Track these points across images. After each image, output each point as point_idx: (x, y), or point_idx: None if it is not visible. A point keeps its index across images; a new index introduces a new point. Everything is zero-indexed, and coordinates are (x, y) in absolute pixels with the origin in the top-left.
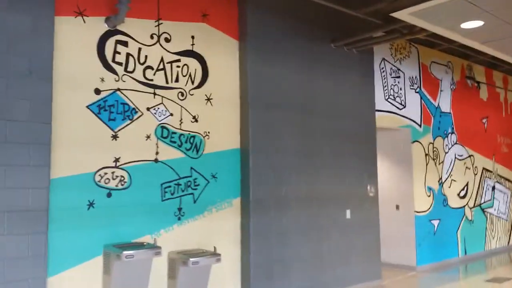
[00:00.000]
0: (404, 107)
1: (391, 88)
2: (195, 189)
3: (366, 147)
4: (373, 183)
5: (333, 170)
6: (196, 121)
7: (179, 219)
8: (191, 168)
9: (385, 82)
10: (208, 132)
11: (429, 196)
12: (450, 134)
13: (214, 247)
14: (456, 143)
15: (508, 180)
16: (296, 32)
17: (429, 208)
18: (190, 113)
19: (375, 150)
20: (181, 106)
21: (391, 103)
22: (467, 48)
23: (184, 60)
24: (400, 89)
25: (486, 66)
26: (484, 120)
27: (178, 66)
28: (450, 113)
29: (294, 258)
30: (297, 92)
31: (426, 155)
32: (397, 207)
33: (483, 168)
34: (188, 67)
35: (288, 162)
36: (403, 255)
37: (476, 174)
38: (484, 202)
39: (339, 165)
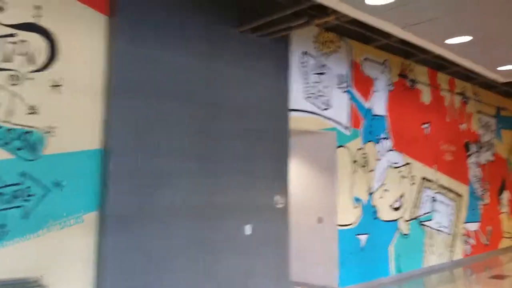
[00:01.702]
0: (329, 107)
1: (313, 86)
2: (27, 200)
3: (278, 151)
4: (283, 193)
5: (236, 177)
6: (35, 113)
7: None
8: (23, 173)
9: (306, 78)
10: (53, 128)
11: (356, 207)
12: (383, 140)
13: (40, 277)
14: (391, 150)
15: (452, 191)
16: (193, 11)
17: (356, 221)
18: (26, 102)
19: (288, 156)
20: (12, 93)
21: (312, 102)
22: (407, 45)
23: (23, 35)
24: (325, 87)
25: (430, 67)
26: (425, 126)
27: (12, 42)
28: (384, 116)
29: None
30: (193, 83)
31: (354, 161)
32: (320, 219)
33: (422, 178)
34: (28, 44)
35: (174, 167)
36: (323, 275)
37: (413, 184)
38: (423, 214)
39: (244, 171)
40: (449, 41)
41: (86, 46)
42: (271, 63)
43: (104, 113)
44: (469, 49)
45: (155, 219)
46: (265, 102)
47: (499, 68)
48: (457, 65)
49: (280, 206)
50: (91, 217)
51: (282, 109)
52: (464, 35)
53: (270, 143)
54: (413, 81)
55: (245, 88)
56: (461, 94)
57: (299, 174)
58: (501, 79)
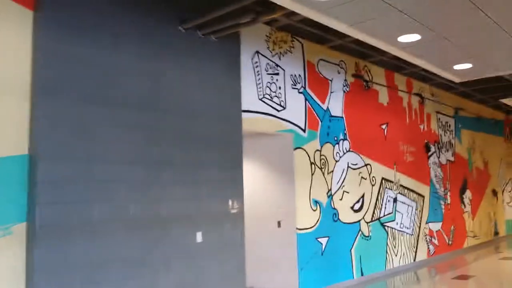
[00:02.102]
0: (284, 108)
1: (267, 87)
2: None
3: (230, 154)
4: (238, 197)
5: (183, 185)
6: None
7: None
8: None
9: (260, 79)
10: None
11: (315, 210)
12: (342, 141)
13: None
14: (349, 151)
15: (413, 191)
16: (129, 7)
17: (316, 224)
18: None
19: (241, 158)
20: None
21: (267, 103)
22: (363, 46)
23: None
24: (279, 88)
25: (387, 68)
26: (383, 126)
27: None
28: (342, 117)
29: None
30: (132, 85)
31: (311, 163)
32: (279, 224)
33: (383, 178)
34: None
35: (111, 176)
36: (283, 280)
37: (374, 184)
38: (384, 215)
39: (193, 178)
40: (400, 39)
41: (11, 43)
42: (220, 63)
43: (31, 116)
44: (421, 48)
45: (88, 230)
46: (215, 104)
47: (455, 67)
48: (414, 66)
49: (234, 211)
50: (20, 228)
51: (233, 111)
52: (413, 33)
53: (222, 146)
54: (370, 82)
55: (192, 90)
56: (419, 95)
57: (256, 178)
58: (457, 79)
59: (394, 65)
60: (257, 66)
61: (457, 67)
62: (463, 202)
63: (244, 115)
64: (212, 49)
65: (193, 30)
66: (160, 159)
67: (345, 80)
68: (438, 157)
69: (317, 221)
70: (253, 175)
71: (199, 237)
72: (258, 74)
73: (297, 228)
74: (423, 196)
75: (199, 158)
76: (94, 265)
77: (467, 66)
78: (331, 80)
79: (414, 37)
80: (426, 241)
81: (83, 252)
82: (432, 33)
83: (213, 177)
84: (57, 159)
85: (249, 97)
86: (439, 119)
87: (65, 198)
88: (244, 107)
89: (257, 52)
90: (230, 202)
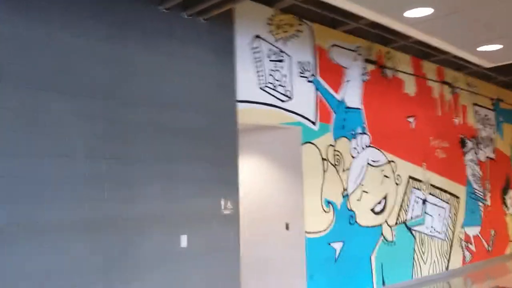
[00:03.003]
0: (290, 99)
1: (269, 75)
2: None
3: (222, 149)
4: (231, 197)
5: (164, 182)
6: None
7: None
8: None
9: (261, 66)
10: None
11: (328, 212)
12: (360, 135)
13: None
14: (369, 146)
15: (446, 192)
16: None
17: (328, 228)
18: None
19: (236, 154)
20: None
21: (269, 93)
22: (382, 29)
23: None
24: (284, 76)
25: (414, 55)
26: (410, 119)
27: None
28: (360, 109)
29: None
30: (100, 70)
31: (323, 160)
32: (287, 226)
33: (410, 177)
34: None
35: (67, 173)
36: None
37: (399, 184)
38: (412, 218)
39: (175, 174)
40: (409, 14)
41: None
42: (210, 48)
43: None
44: (435, 25)
45: (39, 234)
46: (202, 94)
47: (479, 49)
48: (444, 52)
49: (227, 212)
50: None
51: (226, 101)
52: (425, 7)
53: (211, 141)
54: (393, 70)
55: (173, 78)
56: (452, 85)
57: (262, 175)
58: (487, 63)
59: (421, 51)
60: (257, 52)
61: (482, 48)
62: (505, 204)
63: (240, 105)
64: (200, 32)
65: (178, 11)
66: (132, 155)
67: (364, 68)
68: (476, 154)
69: (330, 224)
70: (259, 172)
71: (183, 241)
72: (259, 61)
73: (306, 232)
74: (458, 197)
75: (183, 153)
76: (42, 273)
77: (497, 47)
78: (346, 68)
79: (426, 11)
80: (462, 247)
81: (30, 259)
82: (446, 6)
83: (201, 174)
84: (1, 155)
85: (247, 86)
86: (477, 111)
87: (9, 198)
88: (240, 97)
89: (258, 36)
90: (222, 202)
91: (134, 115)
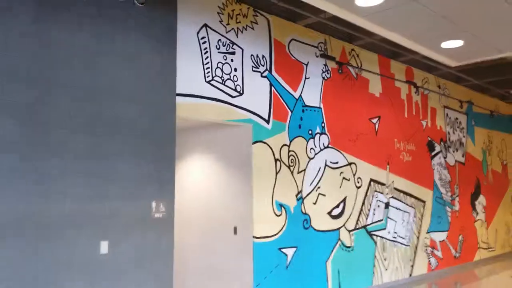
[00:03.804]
0: (241, 94)
1: (217, 67)
2: None
3: (155, 145)
4: (165, 199)
5: (87, 179)
6: None
7: None
8: None
9: (208, 57)
10: None
11: (280, 215)
12: (318, 135)
13: None
14: (328, 147)
15: (411, 196)
16: None
17: (280, 232)
18: None
19: (172, 151)
20: None
21: (217, 87)
22: (345, 25)
23: None
24: (235, 69)
25: (381, 54)
26: (374, 120)
27: None
28: (319, 108)
29: None
30: (17, 53)
31: (276, 160)
32: (235, 230)
33: (371, 180)
34: None
35: None
36: None
37: (359, 187)
38: (373, 223)
39: (101, 171)
40: (360, 2)
41: None
42: (146, 35)
43: None
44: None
45: None
46: (133, 84)
47: (443, 46)
48: (414, 53)
49: (158, 215)
50: None
51: (164, 94)
52: None
53: (142, 135)
54: (358, 69)
55: (100, 65)
56: (421, 86)
57: (210, 175)
58: (452, 63)
59: (389, 50)
60: (204, 42)
61: (445, 44)
62: (475, 209)
63: (180, 99)
64: (136, 17)
65: None
66: (52, 148)
67: (325, 65)
68: (445, 158)
69: (282, 228)
70: (207, 173)
71: (103, 247)
72: (206, 52)
73: (254, 236)
74: (424, 202)
75: (113, 148)
76: None
77: (457, 43)
78: (306, 64)
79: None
80: (427, 253)
81: None
82: None
83: (131, 173)
84: None
85: (192, 79)
86: (447, 114)
87: None
88: (182, 90)
89: (206, 25)
90: (153, 205)
91: (59, 104)
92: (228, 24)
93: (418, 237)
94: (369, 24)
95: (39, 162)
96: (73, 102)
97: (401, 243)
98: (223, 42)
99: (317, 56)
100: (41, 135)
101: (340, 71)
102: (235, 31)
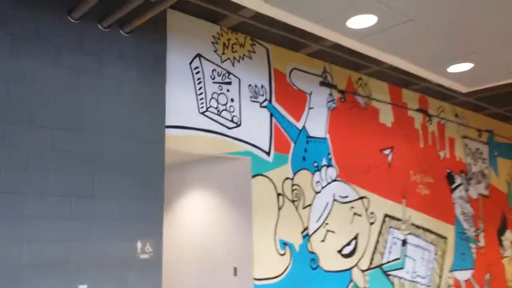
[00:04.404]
0: (238, 125)
1: (212, 98)
2: None
3: (141, 181)
4: (152, 238)
5: (64, 219)
6: None
7: None
8: None
9: (201, 88)
10: None
11: (283, 254)
12: (325, 167)
13: None
14: (336, 180)
15: (430, 232)
16: None
17: (284, 273)
18: None
19: (161, 187)
20: None
21: (212, 118)
22: (350, 54)
23: None
24: (231, 100)
25: (391, 83)
26: (386, 151)
27: None
28: (325, 138)
29: None
30: None
31: (279, 195)
32: (235, 271)
33: (386, 215)
34: None
35: None
36: None
37: (373, 223)
38: (389, 262)
39: (79, 211)
40: (351, 24)
41: None
42: (133, 65)
43: None
44: (384, 38)
45: None
46: (122, 118)
47: (449, 70)
48: (426, 81)
49: (145, 256)
50: None
51: (152, 126)
52: (366, 13)
53: (131, 171)
54: (367, 98)
55: (81, 98)
56: (436, 116)
57: (207, 213)
58: (463, 88)
59: (400, 79)
60: (198, 72)
61: (453, 68)
62: (502, 245)
63: (171, 131)
64: (122, 47)
65: (90, 22)
66: (26, 185)
67: (330, 94)
68: (466, 191)
69: (286, 269)
70: (204, 210)
71: None
72: (200, 82)
73: (254, 278)
74: (446, 238)
75: (93, 186)
76: None
77: (465, 67)
78: (309, 94)
79: (370, 21)
80: None
81: None
82: (390, 11)
83: (113, 211)
84: None
85: (183, 110)
86: (467, 145)
87: None
88: (173, 121)
89: (199, 55)
90: (139, 245)
91: (33, 139)
92: (223, 53)
93: (440, 276)
94: (367, 48)
95: (13, 203)
96: (52, 139)
97: (422, 284)
98: (218, 72)
99: (321, 86)
100: (17, 173)
101: (342, 100)
102: (231, 60)
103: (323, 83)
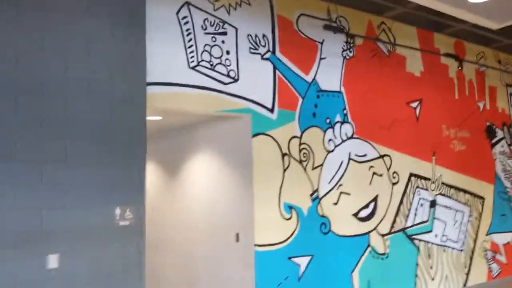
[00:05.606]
0: (235, 80)
1: (205, 51)
2: None
3: (119, 143)
4: (133, 204)
5: (35, 187)
6: None
7: None
8: None
9: (191, 40)
10: None
11: (289, 219)
12: (339, 124)
13: None
14: (352, 137)
15: (465, 191)
16: None
17: (289, 239)
18: None
19: (142, 149)
20: None
21: (204, 73)
22: None
23: None
24: (227, 52)
25: (420, 27)
26: (414, 104)
27: None
28: (339, 92)
29: None
30: None
31: (284, 155)
32: (237, 237)
33: (412, 174)
34: None
35: None
36: None
37: (396, 183)
38: (414, 225)
39: (53, 177)
40: None
41: None
42: (100, 18)
43: None
44: None
45: None
46: (97, 76)
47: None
48: (462, 21)
49: (124, 223)
50: None
51: (130, 84)
52: None
53: (108, 134)
54: (391, 45)
55: (57, 57)
56: (476, 62)
57: (206, 177)
58: (493, 25)
59: (431, 21)
60: (186, 23)
61: None
62: None
63: (154, 89)
64: None
65: None
66: None
67: (347, 42)
68: (509, 145)
69: (292, 234)
70: (204, 173)
71: (53, 261)
72: (189, 34)
73: (255, 244)
74: (483, 198)
75: (68, 151)
76: None
77: None
78: (321, 43)
79: None
80: (487, 258)
81: None
82: None
83: (84, 178)
84: None
85: (170, 65)
86: (511, 94)
87: None
88: (156, 78)
89: (187, 3)
90: (118, 211)
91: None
92: (216, 0)
93: (475, 240)
94: None
95: None
96: (16, 104)
97: (453, 248)
98: (210, 21)
99: (335, 33)
100: None
101: (388, 53)
102: (226, 8)
103: (337, 29)
